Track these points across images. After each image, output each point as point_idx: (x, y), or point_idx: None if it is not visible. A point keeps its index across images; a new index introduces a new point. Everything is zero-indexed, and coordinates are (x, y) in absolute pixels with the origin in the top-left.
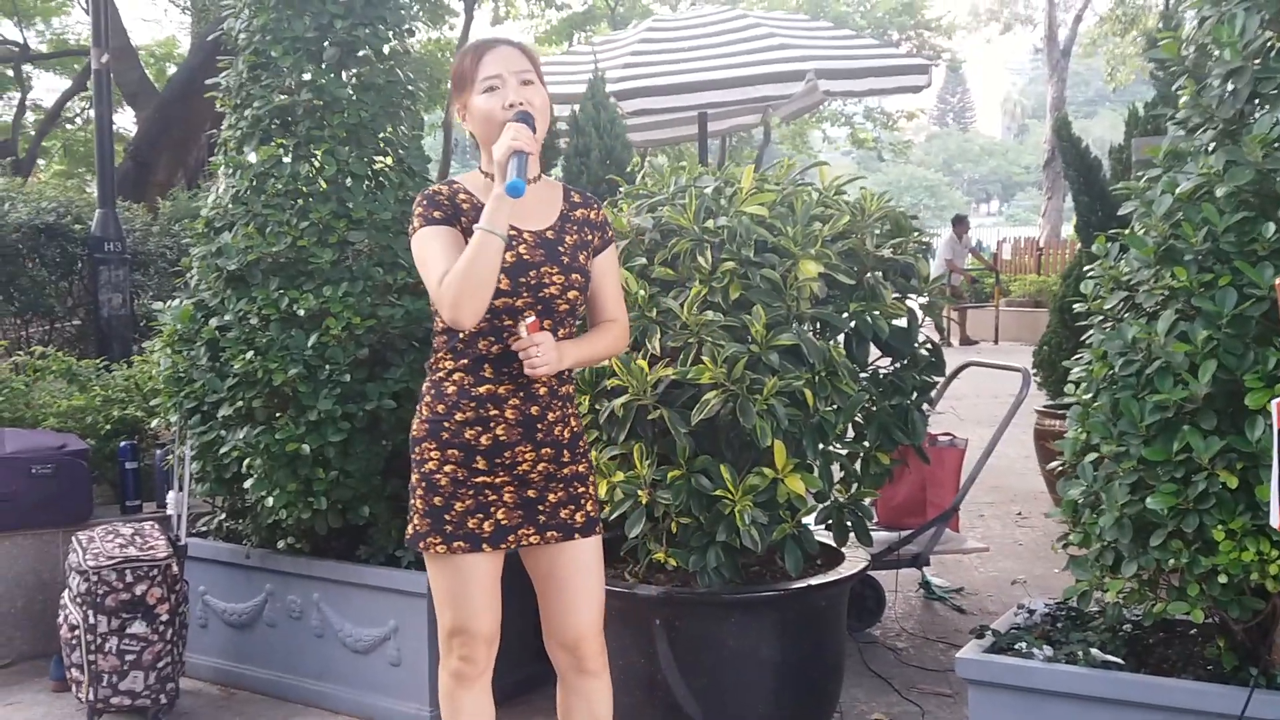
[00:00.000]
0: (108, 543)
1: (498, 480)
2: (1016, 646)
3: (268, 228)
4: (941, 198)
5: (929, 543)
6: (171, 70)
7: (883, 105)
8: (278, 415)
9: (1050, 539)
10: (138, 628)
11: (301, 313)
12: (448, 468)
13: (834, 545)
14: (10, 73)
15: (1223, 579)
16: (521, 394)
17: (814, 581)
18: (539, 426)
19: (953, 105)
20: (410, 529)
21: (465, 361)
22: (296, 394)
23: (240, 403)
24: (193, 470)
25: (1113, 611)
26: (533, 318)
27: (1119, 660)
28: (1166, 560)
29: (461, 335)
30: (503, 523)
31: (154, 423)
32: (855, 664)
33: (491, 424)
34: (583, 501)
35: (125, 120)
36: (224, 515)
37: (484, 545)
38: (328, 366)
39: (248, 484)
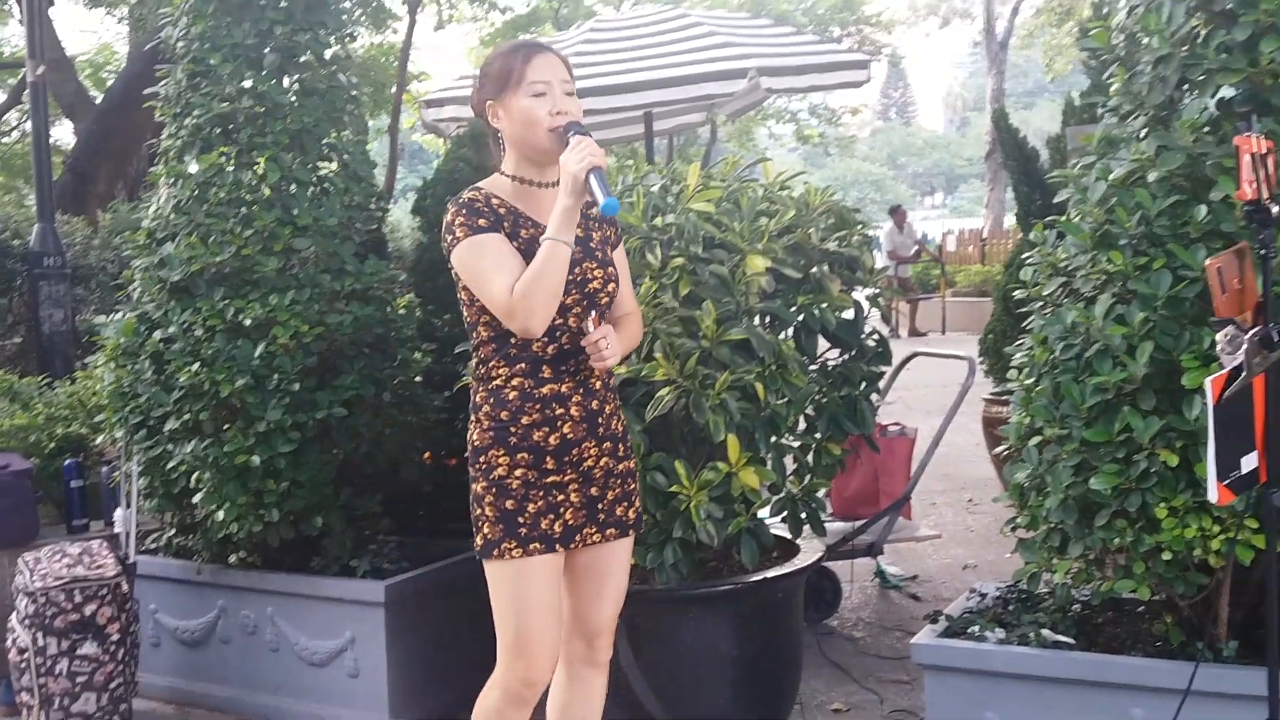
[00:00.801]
0: (55, 563)
1: (566, 479)
2: (970, 630)
3: (211, 237)
4: (886, 191)
5: (883, 532)
6: (110, 80)
7: (827, 101)
8: (226, 427)
9: (1001, 524)
10: (88, 648)
11: (248, 322)
12: (518, 471)
13: (789, 538)
14: None
15: (1167, 556)
16: (582, 390)
17: (770, 574)
18: (599, 421)
19: (895, 100)
20: (480, 539)
21: (523, 366)
22: (244, 405)
23: (187, 415)
24: (140, 486)
25: (1062, 592)
26: (592, 313)
27: (1070, 640)
28: (1112, 539)
29: (514, 340)
30: (570, 523)
31: (99, 439)
32: (814, 655)
33: (559, 423)
34: (633, 498)
35: (64, 132)
36: (173, 531)
37: (556, 545)
38: (276, 376)
39: (197, 498)
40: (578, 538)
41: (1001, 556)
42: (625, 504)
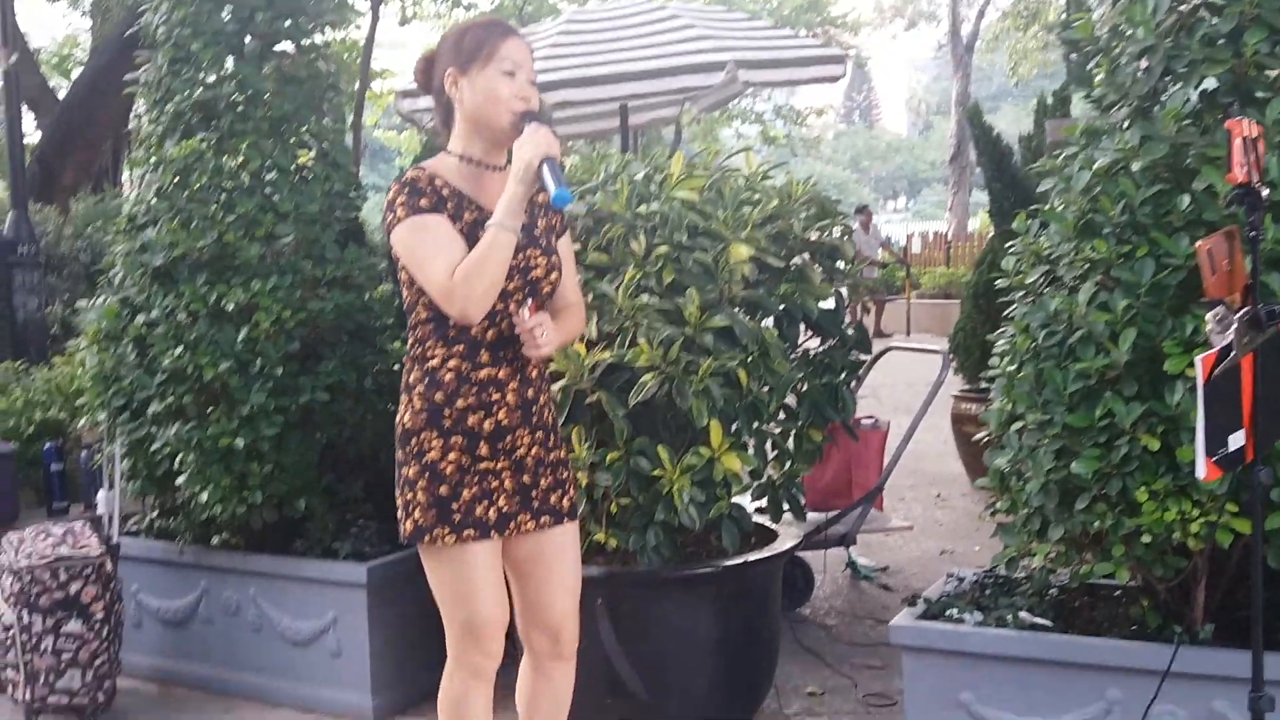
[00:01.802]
0: (40, 542)
1: (499, 466)
2: (948, 613)
3: (193, 222)
4: (850, 194)
5: (855, 522)
6: (75, 73)
7: (792, 103)
8: (210, 410)
9: (970, 518)
10: (73, 626)
11: (230, 307)
12: (451, 455)
13: (766, 524)
14: None
15: (1146, 539)
16: (519, 378)
17: (750, 558)
18: (533, 410)
19: (859, 103)
20: (410, 525)
21: (461, 348)
22: (228, 389)
23: (170, 399)
24: (123, 468)
25: (1040, 576)
26: (530, 300)
27: (1047, 623)
28: (1092, 523)
29: (453, 322)
30: (504, 510)
31: (80, 422)
32: (788, 641)
33: (494, 408)
34: (567, 486)
35: (25, 126)
36: (155, 514)
37: (491, 532)
38: (259, 361)
39: (181, 480)
40: (512, 524)
41: (971, 549)
42: (559, 492)
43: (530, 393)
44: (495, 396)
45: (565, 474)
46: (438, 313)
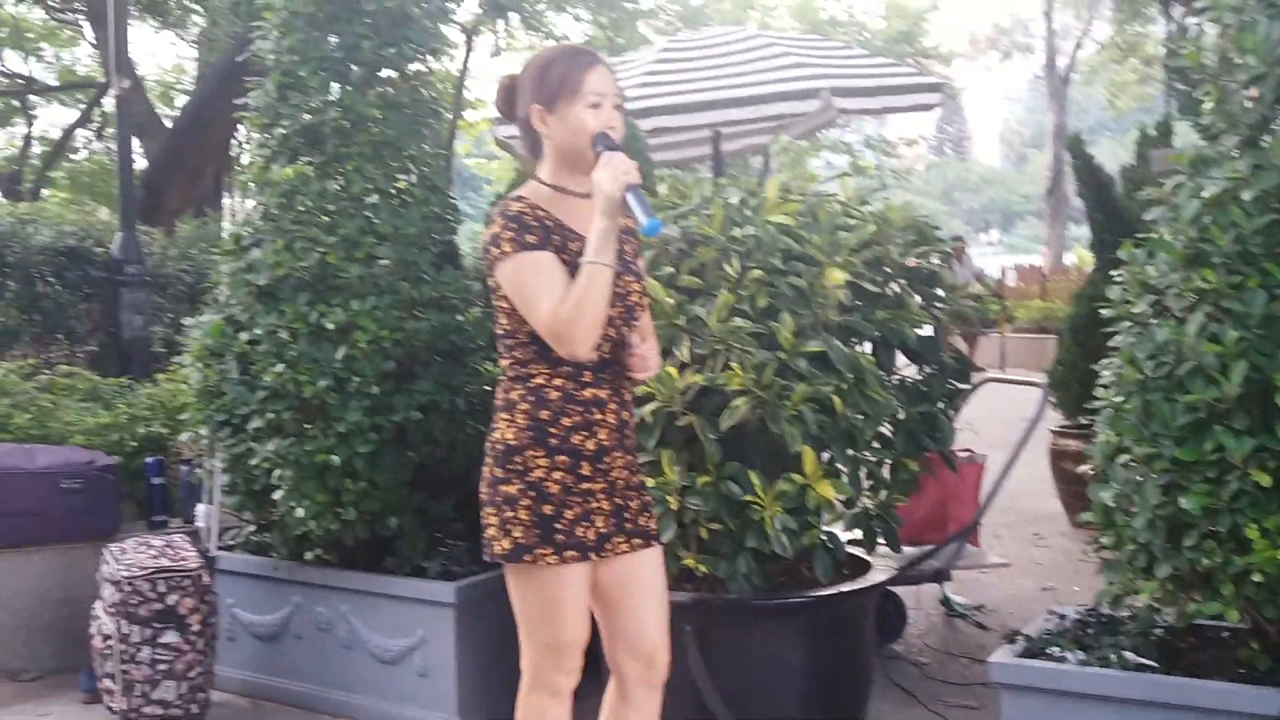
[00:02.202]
0: (140, 553)
1: (596, 487)
2: (1049, 651)
3: (297, 244)
4: (941, 226)
5: (951, 557)
6: (180, 100)
7: (882, 133)
8: (308, 427)
9: (1068, 558)
10: (170, 637)
11: (330, 326)
12: (556, 474)
13: (859, 555)
14: (17, 104)
15: (1257, 578)
16: (617, 399)
17: (844, 589)
18: (626, 432)
19: (950, 134)
20: (508, 542)
21: (566, 368)
22: (326, 406)
23: (270, 415)
24: (222, 483)
25: (1145, 615)
26: (630, 324)
27: (1152, 663)
28: (1200, 560)
29: None
30: (602, 530)
31: (182, 437)
32: (878, 677)
33: (596, 428)
34: (651, 508)
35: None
36: (252, 529)
37: (590, 554)
38: (356, 379)
39: (277, 495)
40: (608, 546)
41: (1070, 589)
42: (647, 514)
43: (625, 414)
44: (598, 416)
45: (648, 496)
46: (565, 357)
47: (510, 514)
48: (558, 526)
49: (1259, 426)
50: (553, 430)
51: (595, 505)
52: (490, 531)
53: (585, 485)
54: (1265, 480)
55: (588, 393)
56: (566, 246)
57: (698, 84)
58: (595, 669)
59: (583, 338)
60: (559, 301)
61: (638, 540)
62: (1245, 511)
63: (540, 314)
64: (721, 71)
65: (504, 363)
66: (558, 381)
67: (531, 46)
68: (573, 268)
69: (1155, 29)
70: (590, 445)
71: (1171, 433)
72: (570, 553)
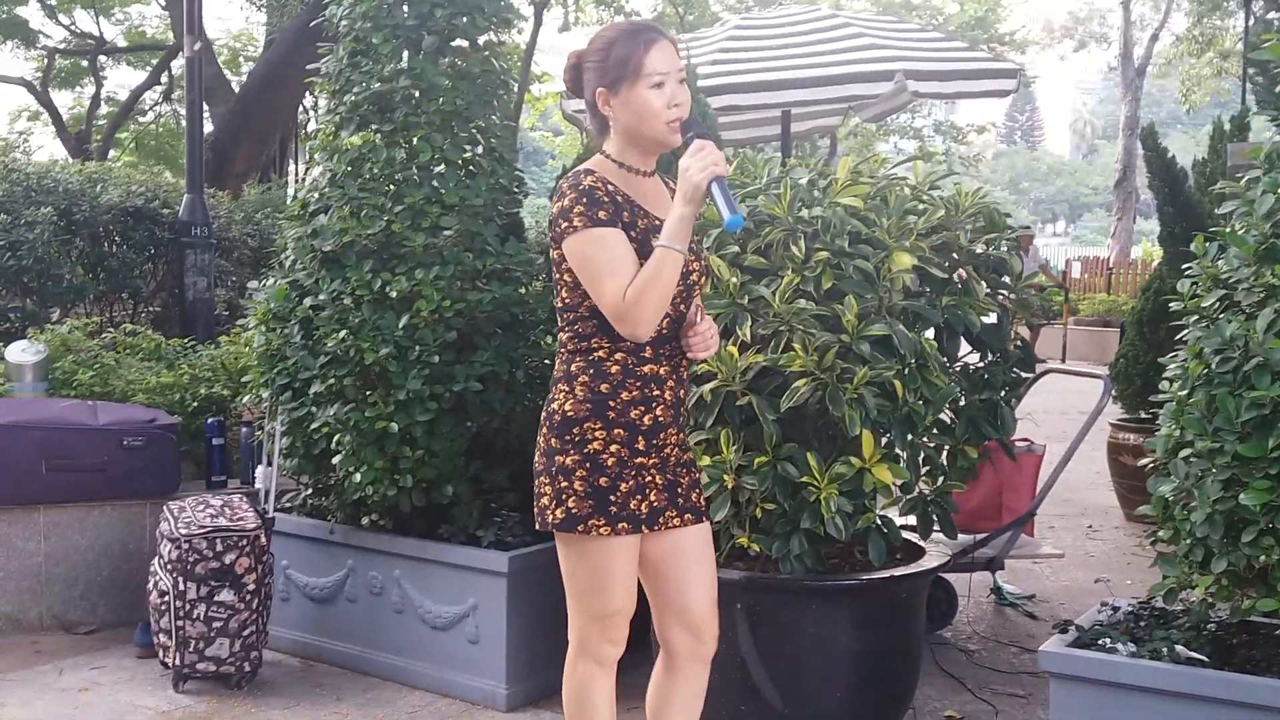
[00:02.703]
0: (199, 512)
1: (650, 462)
2: (1100, 642)
3: (363, 211)
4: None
5: (1005, 546)
6: (246, 66)
7: (952, 119)
8: (368, 393)
9: (1122, 552)
10: (225, 596)
11: (393, 294)
12: (613, 447)
13: (913, 540)
14: (85, 64)
15: None
16: (674, 376)
17: (897, 573)
18: (681, 410)
19: (1021, 123)
20: (560, 512)
21: (626, 343)
22: (386, 373)
23: (332, 380)
24: (282, 446)
25: (1199, 610)
26: (692, 301)
27: (1203, 658)
28: (1257, 557)
29: None
30: (655, 505)
31: (243, 399)
32: (927, 663)
33: (654, 404)
34: (699, 485)
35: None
36: (309, 492)
37: (643, 527)
38: (417, 348)
39: (336, 460)
40: (660, 520)
41: (1123, 582)
42: (697, 490)
43: (682, 392)
44: (656, 392)
45: (698, 473)
46: (627, 336)
47: (565, 484)
48: (612, 499)
49: None
50: (612, 404)
51: (649, 479)
52: (544, 501)
53: (639, 460)
54: None
55: (647, 368)
56: (635, 224)
57: (770, 63)
58: (642, 643)
59: (647, 320)
60: (625, 281)
61: (689, 515)
62: None
63: (606, 292)
64: (794, 51)
65: (564, 335)
66: (618, 355)
67: (600, 21)
68: (640, 244)
69: (1234, 23)
70: (647, 420)
71: (1235, 428)
72: (623, 524)
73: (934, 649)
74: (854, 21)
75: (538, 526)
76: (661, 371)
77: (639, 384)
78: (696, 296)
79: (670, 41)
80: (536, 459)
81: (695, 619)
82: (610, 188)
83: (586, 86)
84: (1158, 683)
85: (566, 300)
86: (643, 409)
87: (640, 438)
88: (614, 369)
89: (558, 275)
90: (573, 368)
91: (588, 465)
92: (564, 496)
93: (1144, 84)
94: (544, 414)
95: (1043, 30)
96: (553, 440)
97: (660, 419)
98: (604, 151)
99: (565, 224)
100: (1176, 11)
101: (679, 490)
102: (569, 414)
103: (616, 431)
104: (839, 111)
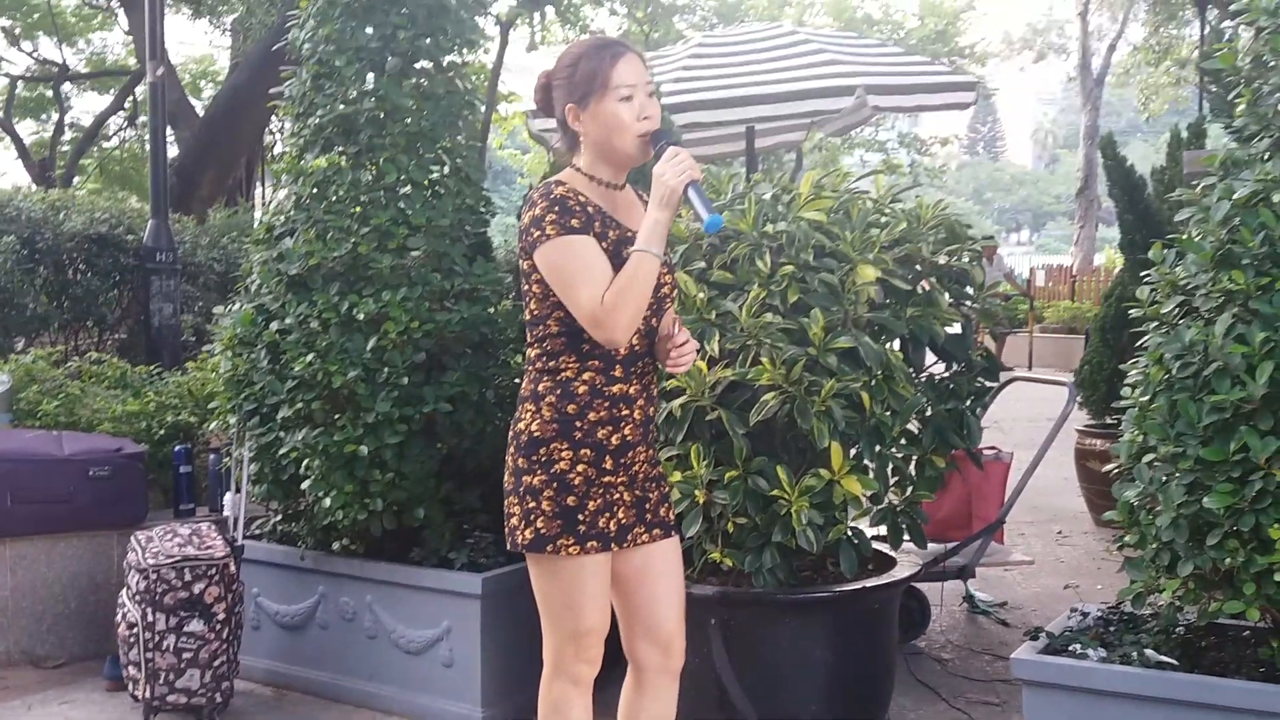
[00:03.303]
0: (166, 542)
1: (618, 480)
2: (1070, 648)
3: (329, 233)
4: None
5: (975, 555)
6: (208, 90)
7: (915, 131)
8: (336, 417)
9: (1092, 557)
10: (195, 626)
11: (361, 317)
12: (580, 467)
13: (884, 551)
14: (49, 93)
15: (1278, 577)
16: (645, 395)
17: (869, 584)
18: (650, 427)
19: (983, 134)
20: (530, 533)
21: (595, 362)
22: (355, 396)
23: (300, 404)
24: (250, 472)
25: (1167, 613)
26: (661, 315)
27: (1173, 661)
28: (1223, 559)
29: (588, 337)
30: (623, 522)
31: (210, 425)
32: (901, 674)
33: (622, 424)
34: (669, 498)
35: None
36: (279, 518)
37: (611, 544)
38: (386, 370)
39: (305, 485)
40: (629, 537)
41: (1094, 587)
42: (666, 505)
43: (651, 410)
44: (625, 412)
45: (667, 487)
46: (571, 327)
47: (533, 504)
48: (580, 518)
49: None
50: (579, 424)
51: (617, 497)
52: (514, 521)
53: (607, 478)
54: None
55: (616, 388)
56: (606, 234)
57: (733, 79)
58: (617, 660)
59: (624, 325)
60: (601, 287)
61: (657, 531)
62: (1268, 511)
63: (581, 298)
64: (757, 67)
65: (531, 352)
66: (586, 375)
67: (566, 40)
68: (612, 255)
69: (1190, 32)
70: (615, 440)
71: (1197, 432)
72: (592, 543)
73: (908, 659)
74: (815, 38)
75: (509, 546)
76: (631, 391)
77: (607, 404)
78: (671, 310)
79: (637, 55)
80: (506, 479)
81: (663, 634)
82: (582, 198)
83: (556, 104)
84: (1129, 687)
85: (535, 312)
86: (610, 429)
87: (608, 457)
88: (581, 389)
89: (526, 286)
90: (540, 387)
91: (555, 485)
92: (532, 517)
93: (1103, 93)
94: (511, 433)
95: (1002, 42)
96: (520, 460)
97: (628, 438)
98: (575, 166)
99: (537, 232)
100: (1134, 21)
101: (646, 506)
102: (535, 434)
103: (583, 452)
104: (802, 127)
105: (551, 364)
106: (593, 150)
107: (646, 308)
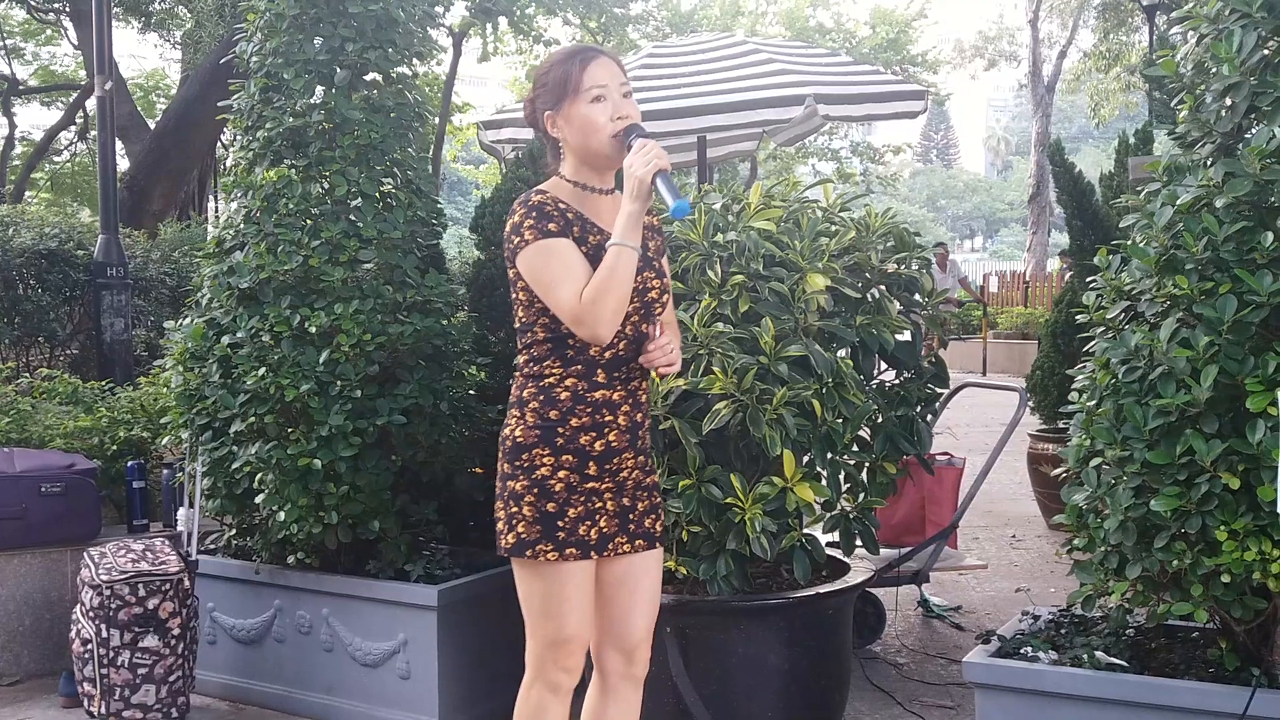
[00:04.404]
0: (120, 557)
1: (603, 487)
2: (1022, 651)
3: (279, 247)
4: (926, 233)
5: (929, 559)
6: (159, 103)
7: (869, 140)
8: (290, 431)
9: (1045, 560)
10: (150, 641)
11: (313, 330)
12: (561, 473)
13: (838, 557)
14: None
15: (1225, 579)
16: (630, 400)
17: (822, 589)
18: (639, 434)
19: (936, 142)
20: (512, 538)
21: (578, 367)
22: (308, 410)
23: (252, 419)
24: (204, 487)
25: (1117, 615)
26: (655, 320)
27: (1123, 663)
28: (1170, 562)
29: (572, 342)
30: (605, 531)
31: (163, 441)
32: (857, 678)
33: (605, 430)
34: (659, 510)
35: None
36: (233, 532)
37: (591, 553)
38: (339, 383)
39: (259, 499)
40: (610, 546)
41: (1046, 590)
42: (653, 516)
43: (639, 416)
44: (608, 418)
45: (658, 498)
46: (556, 332)
47: (516, 509)
48: (560, 524)
49: (1228, 430)
50: (561, 430)
51: (600, 505)
52: (499, 525)
53: (591, 485)
54: (1234, 483)
55: (599, 394)
56: (586, 239)
57: (684, 89)
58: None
59: (606, 320)
60: (580, 285)
61: (640, 542)
62: (1214, 514)
63: (562, 298)
64: (707, 77)
65: (520, 358)
66: (569, 381)
67: (520, 50)
68: (592, 259)
69: (1140, 38)
70: (599, 446)
71: (1143, 436)
72: (571, 550)
73: (863, 663)
74: (764, 48)
75: (498, 551)
76: (615, 397)
77: (590, 410)
78: (669, 313)
79: (610, 58)
80: (496, 484)
81: (629, 643)
82: (561, 205)
83: (538, 115)
84: (1079, 689)
85: (523, 319)
86: (594, 435)
87: (592, 463)
88: (564, 395)
89: (514, 294)
90: (525, 393)
91: (536, 491)
92: (514, 522)
93: (1054, 100)
94: (500, 439)
95: (954, 50)
96: (505, 466)
97: (614, 444)
98: (560, 173)
99: (517, 239)
100: (1084, 28)
101: (631, 516)
102: (519, 440)
103: (565, 458)
104: (754, 136)
105: (537, 369)
106: (574, 155)
107: (632, 309)
